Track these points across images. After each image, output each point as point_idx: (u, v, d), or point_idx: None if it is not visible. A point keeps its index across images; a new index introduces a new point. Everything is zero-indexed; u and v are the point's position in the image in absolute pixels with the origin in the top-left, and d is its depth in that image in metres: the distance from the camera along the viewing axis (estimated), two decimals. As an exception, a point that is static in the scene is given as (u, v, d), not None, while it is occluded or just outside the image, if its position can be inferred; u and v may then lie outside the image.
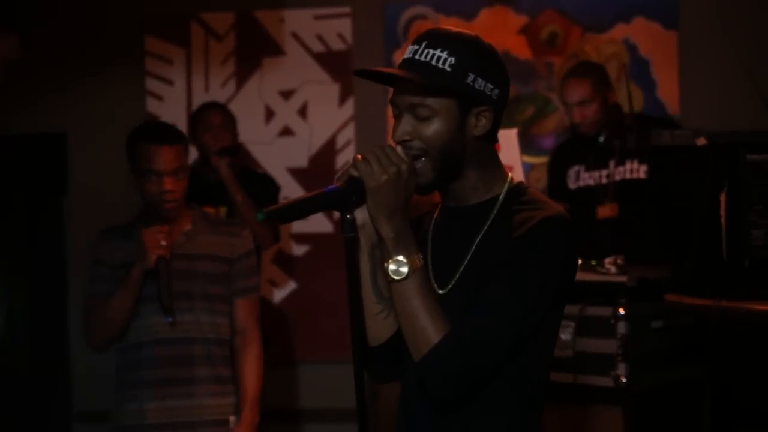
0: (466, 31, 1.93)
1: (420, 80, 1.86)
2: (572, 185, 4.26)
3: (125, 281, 3.24)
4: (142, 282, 3.24)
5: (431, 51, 1.87)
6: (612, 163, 4.11)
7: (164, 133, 3.31)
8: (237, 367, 3.42)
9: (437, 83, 1.86)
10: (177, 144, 3.28)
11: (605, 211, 4.12)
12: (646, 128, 3.76)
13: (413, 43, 1.91)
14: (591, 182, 4.20)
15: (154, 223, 3.28)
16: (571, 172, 4.27)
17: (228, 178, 4.19)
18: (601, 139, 4.04)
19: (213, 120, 4.35)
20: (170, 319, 3.25)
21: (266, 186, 4.46)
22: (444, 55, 1.86)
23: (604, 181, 4.14)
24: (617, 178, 4.09)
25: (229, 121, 4.41)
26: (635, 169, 4.06)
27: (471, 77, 1.87)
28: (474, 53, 1.88)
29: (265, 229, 4.21)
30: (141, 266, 3.22)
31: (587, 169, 4.21)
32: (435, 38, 1.89)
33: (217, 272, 3.36)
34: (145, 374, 3.29)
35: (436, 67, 1.86)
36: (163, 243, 3.22)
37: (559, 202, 4.28)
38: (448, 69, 1.86)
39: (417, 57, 1.88)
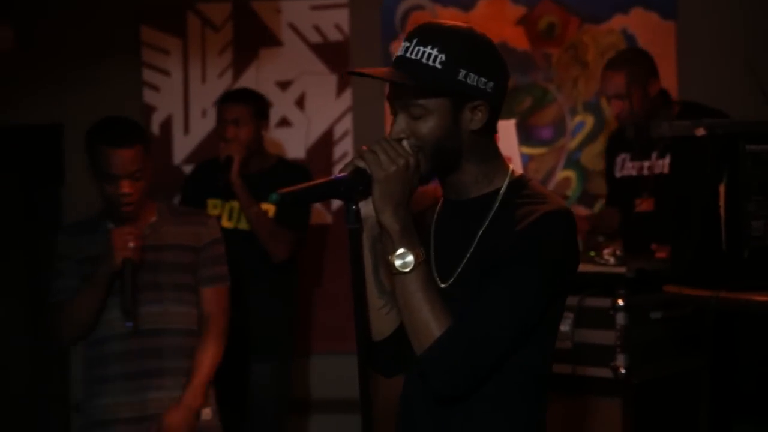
0: (459, 24, 1.91)
1: (411, 82, 1.84)
2: (617, 173, 4.17)
3: (91, 282, 3.16)
4: (109, 283, 3.15)
5: (422, 48, 1.85)
6: (654, 155, 4.01)
7: (121, 134, 3.16)
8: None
9: (428, 83, 1.84)
10: (134, 145, 3.15)
11: (643, 204, 4.00)
12: (691, 118, 3.57)
13: (405, 40, 1.89)
14: (633, 172, 4.08)
15: (118, 218, 3.21)
16: (618, 159, 4.17)
17: (239, 191, 4.06)
18: (632, 131, 3.78)
19: (229, 115, 4.20)
20: (130, 324, 3.14)
21: (300, 177, 4.32)
22: (434, 52, 1.84)
23: (646, 172, 4.02)
24: (657, 171, 3.97)
25: (252, 113, 4.21)
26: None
27: (463, 73, 1.85)
28: (465, 48, 1.86)
29: (278, 238, 4.10)
30: (107, 268, 3.13)
31: (632, 159, 4.10)
32: (426, 34, 1.87)
33: (183, 261, 3.28)
34: (114, 368, 3.21)
35: (426, 65, 1.84)
36: (131, 245, 3.12)
37: (606, 189, 4.24)
38: (439, 66, 1.84)
39: (408, 55, 1.86)
